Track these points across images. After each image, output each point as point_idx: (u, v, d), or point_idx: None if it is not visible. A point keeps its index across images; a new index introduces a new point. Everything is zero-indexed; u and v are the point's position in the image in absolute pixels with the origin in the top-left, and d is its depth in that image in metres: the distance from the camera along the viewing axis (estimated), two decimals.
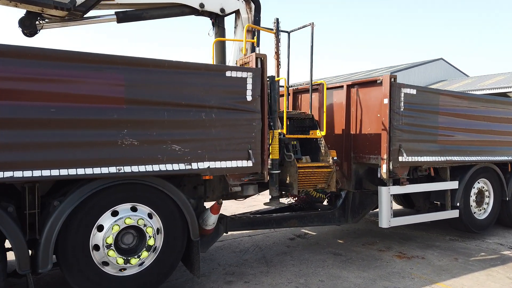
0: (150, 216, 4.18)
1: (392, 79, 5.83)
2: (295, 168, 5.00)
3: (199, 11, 5.98)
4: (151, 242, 4.12)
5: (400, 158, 5.90)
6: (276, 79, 5.38)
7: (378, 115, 5.97)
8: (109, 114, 3.77)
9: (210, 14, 6.14)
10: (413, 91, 6.04)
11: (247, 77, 4.57)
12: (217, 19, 6.18)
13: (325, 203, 7.30)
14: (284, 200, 6.77)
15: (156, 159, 4.01)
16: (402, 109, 5.91)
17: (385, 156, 5.84)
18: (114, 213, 3.99)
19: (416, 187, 6.48)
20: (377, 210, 6.30)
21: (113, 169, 3.78)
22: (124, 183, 4.02)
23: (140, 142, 3.93)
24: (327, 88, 6.89)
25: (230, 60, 6.29)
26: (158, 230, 4.22)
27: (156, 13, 5.78)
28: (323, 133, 5.63)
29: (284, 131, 5.22)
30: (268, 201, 5.54)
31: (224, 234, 5.63)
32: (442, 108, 6.42)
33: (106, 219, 3.94)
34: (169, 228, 4.29)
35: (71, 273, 3.84)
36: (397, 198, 9.31)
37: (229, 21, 6.47)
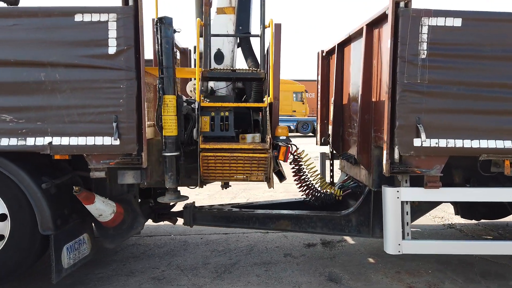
0: None
1: (402, 4, 3.36)
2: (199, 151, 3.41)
3: None
4: None
5: (416, 142, 3.43)
6: (201, 23, 3.78)
7: None
8: None
9: None
10: (456, 22, 3.37)
11: (108, 21, 3.28)
12: None
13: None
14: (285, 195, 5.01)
15: None
16: (423, 56, 3.37)
17: (386, 137, 3.49)
18: None
19: (455, 192, 3.69)
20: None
21: None
22: None
23: None
24: (353, 38, 4.68)
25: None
26: (3, 216, 3.53)
27: None
28: (270, 99, 3.69)
29: (197, 97, 3.62)
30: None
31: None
32: None
33: None
34: (15, 216, 3.53)
35: None
36: None
37: None
